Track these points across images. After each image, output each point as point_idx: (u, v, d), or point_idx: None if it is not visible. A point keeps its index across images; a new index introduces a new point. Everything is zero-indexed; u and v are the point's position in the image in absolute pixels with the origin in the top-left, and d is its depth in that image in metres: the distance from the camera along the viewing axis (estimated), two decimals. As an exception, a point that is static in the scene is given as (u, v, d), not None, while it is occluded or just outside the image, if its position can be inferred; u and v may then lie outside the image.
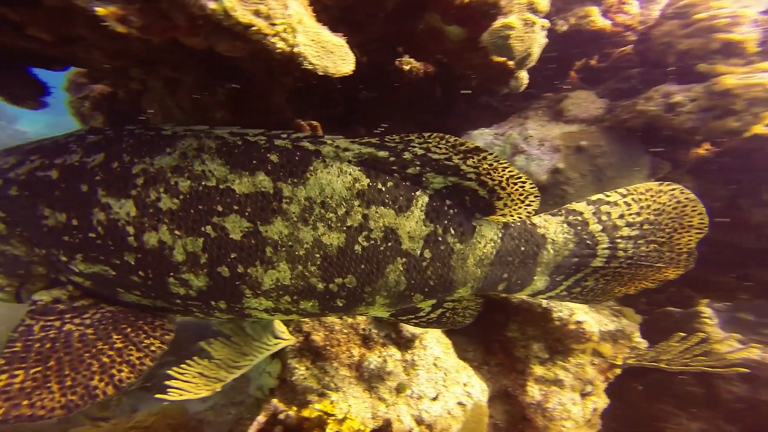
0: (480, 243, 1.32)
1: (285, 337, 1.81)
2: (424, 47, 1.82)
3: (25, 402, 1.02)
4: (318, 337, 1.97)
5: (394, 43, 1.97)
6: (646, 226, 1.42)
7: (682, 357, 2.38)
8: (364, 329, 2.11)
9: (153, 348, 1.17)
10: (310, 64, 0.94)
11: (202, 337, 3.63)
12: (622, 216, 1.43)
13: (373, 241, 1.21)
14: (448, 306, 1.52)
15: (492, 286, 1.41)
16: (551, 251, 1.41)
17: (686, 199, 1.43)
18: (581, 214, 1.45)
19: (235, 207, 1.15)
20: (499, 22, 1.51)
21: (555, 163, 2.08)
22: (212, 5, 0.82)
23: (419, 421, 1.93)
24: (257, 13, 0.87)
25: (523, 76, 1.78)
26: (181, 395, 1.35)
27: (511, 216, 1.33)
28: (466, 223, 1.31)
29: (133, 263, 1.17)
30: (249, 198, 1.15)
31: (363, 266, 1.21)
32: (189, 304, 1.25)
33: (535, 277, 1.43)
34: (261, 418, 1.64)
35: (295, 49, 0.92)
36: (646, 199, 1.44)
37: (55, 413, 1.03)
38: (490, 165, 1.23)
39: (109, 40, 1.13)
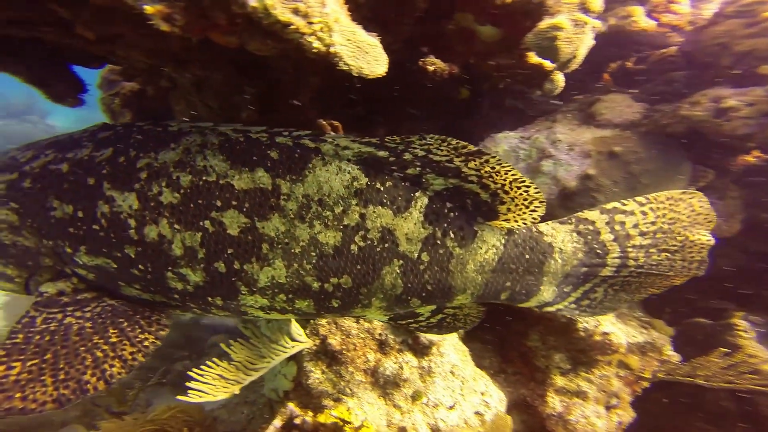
0: (481, 248, 1.28)
1: (302, 340, 1.79)
2: (451, 48, 1.79)
3: (18, 395, 1.02)
4: (335, 341, 1.95)
5: (419, 43, 1.94)
6: (659, 235, 1.38)
7: (726, 374, 2.25)
8: (380, 334, 2.08)
9: (146, 343, 1.16)
10: (345, 64, 0.92)
11: (216, 332, 3.70)
12: (636, 225, 1.38)
13: (369, 242, 1.19)
14: (449, 312, 1.47)
15: (494, 294, 1.37)
16: (559, 261, 1.36)
17: (702, 207, 1.39)
18: (593, 223, 1.39)
19: (234, 202, 1.15)
20: (546, 23, 1.46)
21: (585, 169, 2.00)
22: (253, 3, 0.80)
23: (435, 431, 1.88)
24: (296, 11, 0.85)
25: (559, 78, 1.72)
26: (200, 397, 1.35)
27: (516, 222, 1.29)
28: (467, 227, 1.27)
29: (133, 256, 1.18)
30: (248, 194, 1.16)
31: (359, 267, 1.20)
32: (187, 300, 1.25)
33: (541, 287, 1.38)
34: (278, 423, 1.63)
35: (331, 49, 0.90)
36: (664, 208, 1.39)
37: (46, 407, 1.02)
38: (492, 168, 1.20)
39: (147, 38, 1.14)
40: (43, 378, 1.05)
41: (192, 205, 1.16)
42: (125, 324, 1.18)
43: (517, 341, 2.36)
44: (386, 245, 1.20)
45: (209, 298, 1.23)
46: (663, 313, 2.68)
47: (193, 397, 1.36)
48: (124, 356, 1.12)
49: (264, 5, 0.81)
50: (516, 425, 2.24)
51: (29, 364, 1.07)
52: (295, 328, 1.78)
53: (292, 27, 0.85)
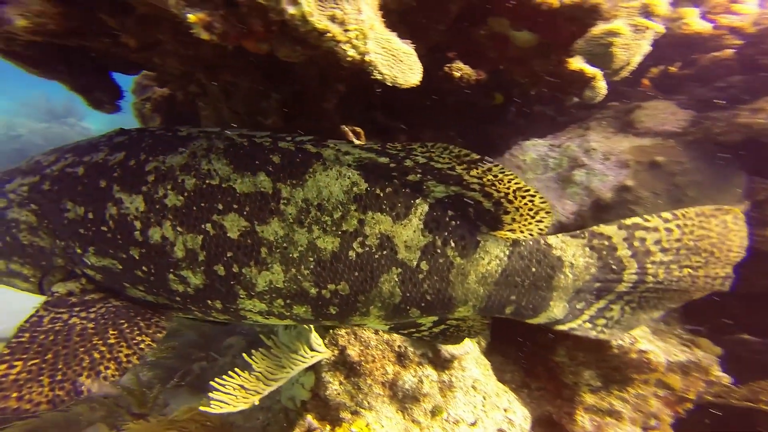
0: (483, 259, 1.24)
1: (321, 350, 1.76)
2: (481, 53, 1.73)
3: (15, 394, 1.02)
4: (353, 352, 1.91)
5: (445, 48, 1.89)
6: (683, 251, 1.29)
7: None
8: (399, 346, 2.02)
9: (142, 345, 1.16)
10: (380, 73, 0.88)
11: (232, 333, 3.74)
12: (658, 242, 1.29)
13: (367, 248, 1.17)
14: (452, 323, 1.42)
15: (498, 307, 1.31)
16: (570, 275, 1.30)
17: (736, 225, 1.29)
18: (609, 238, 1.31)
19: (235, 206, 1.16)
20: (601, 28, 1.39)
21: (622, 180, 1.88)
22: (291, 10, 0.78)
23: (455, 451, 1.80)
24: (332, 19, 0.83)
25: (601, 86, 1.63)
26: (221, 408, 1.34)
27: (522, 232, 1.24)
28: (468, 237, 1.23)
29: (137, 258, 1.19)
30: (249, 197, 1.16)
31: (357, 273, 1.17)
32: (188, 303, 1.25)
33: (551, 303, 1.32)
34: (296, 434, 1.60)
35: (366, 57, 0.86)
36: (693, 225, 1.30)
37: (40, 407, 1.02)
38: (495, 176, 1.17)
39: (183, 45, 1.16)
40: (41, 378, 1.06)
41: (195, 208, 1.16)
42: (125, 325, 1.19)
43: (543, 356, 2.24)
44: (384, 252, 1.18)
45: (209, 301, 1.23)
46: (701, 329, 2.49)
47: (215, 408, 1.35)
48: (119, 358, 1.11)
49: (302, 12, 0.79)
50: (540, 444, 2.13)
51: (30, 363, 1.08)
52: (315, 337, 1.76)
53: (328, 35, 0.82)
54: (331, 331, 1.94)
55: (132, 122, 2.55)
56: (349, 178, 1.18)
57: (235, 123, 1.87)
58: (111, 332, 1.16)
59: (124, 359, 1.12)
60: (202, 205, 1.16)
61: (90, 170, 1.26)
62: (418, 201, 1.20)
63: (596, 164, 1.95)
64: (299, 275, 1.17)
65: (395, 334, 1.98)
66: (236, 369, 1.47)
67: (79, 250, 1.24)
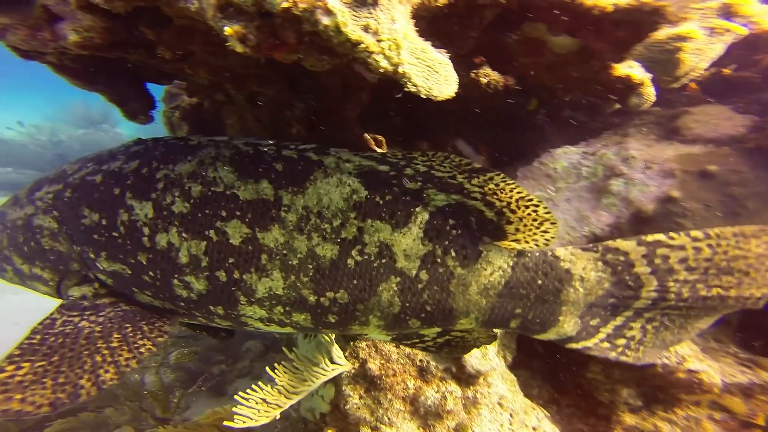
0: (485, 270, 1.20)
1: (341, 363, 1.73)
2: (511, 59, 1.66)
3: (18, 396, 1.03)
4: (374, 365, 1.86)
5: (471, 54, 1.83)
6: (712, 271, 1.18)
7: None
8: (421, 360, 1.96)
9: (142, 349, 1.16)
10: (414, 85, 0.84)
11: (249, 337, 3.78)
12: (684, 260, 1.19)
13: (366, 256, 1.16)
14: (456, 334, 1.37)
15: (502, 321, 1.25)
16: (580, 289, 1.23)
17: None
18: (626, 254, 1.22)
19: (238, 213, 1.17)
20: (667, 32, 1.29)
21: (667, 191, 1.73)
22: (326, 21, 0.76)
23: (479, 473, 1.71)
24: (366, 29, 0.80)
25: (650, 92, 1.51)
26: (244, 423, 1.33)
27: (527, 243, 1.21)
28: (470, 246, 1.20)
29: (145, 263, 1.22)
30: (251, 204, 1.17)
31: (355, 282, 1.17)
32: (191, 308, 1.26)
33: (560, 318, 1.24)
34: (316, 450, 1.57)
35: (400, 69, 0.82)
36: (728, 245, 1.18)
37: (41, 410, 1.02)
38: (497, 185, 1.16)
39: (213, 56, 1.17)
40: (44, 380, 1.07)
41: (200, 215, 1.19)
42: (129, 329, 1.20)
43: (574, 371, 2.11)
44: (383, 261, 1.16)
45: (211, 307, 1.24)
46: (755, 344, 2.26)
47: (237, 423, 1.34)
48: (119, 362, 1.12)
49: (336, 23, 0.76)
50: (572, 468, 2.00)
51: (37, 365, 1.09)
52: (336, 350, 1.73)
53: (361, 46, 0.79)
54: (351, 343, 1.90)
55: (161, 130, 2.63)
56: (349, 185, 1.17)
57: (260, 132, 1.88)
58: (115, 336, 1.17)
59: (124, 363, 1.12)
60: (207, 211, 1.19)
61: (107, 178, 1.30)
62: (418, 209, 1.18)
63: (636, 173, 1.82)
64: (298, 282, 1.17)
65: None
66: (259, 383, 1.47)
67: (92, 255, 1.28)
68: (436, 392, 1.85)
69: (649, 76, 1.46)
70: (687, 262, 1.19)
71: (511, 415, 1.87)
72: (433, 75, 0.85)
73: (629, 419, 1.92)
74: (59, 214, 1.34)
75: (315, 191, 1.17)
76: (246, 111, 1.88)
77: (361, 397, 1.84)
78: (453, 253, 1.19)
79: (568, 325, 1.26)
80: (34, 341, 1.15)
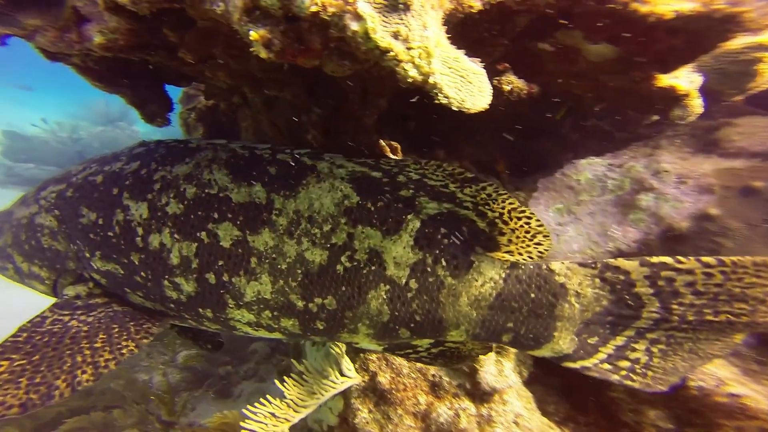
0: (477, 281, 1.17)
1: (351, 375, 1.68)
2: (540, 67, 1.59)
3: None
4: (384, 379, 1.80)
5: (498, 61, 1.77)
6: (723, 297, 1.11)
7: None
8: (433, 375, 1.89)
9: (123, 351, 1.14)
10: (445, 97, 0.79)
11: (255, 339, 3.76)
12: (691, 284, 1.12)
13: (356, 263, 1.15)
14: (450, 346, 1.34)
15: (494, 334, 1.21)
16: (576, 305, 1.19)
17: None
18: (627, 273, 1.16)
19: (229, 215, 1.17)
20: (745, 42, 1.19)
21: (703, 207, 1.62)
22: (354, 26, 0.71)
23: (492, 498, 1.63)
24: (396, 35, 0.75)
25: (696, 104, 1.41)
26: None
27: (520, 255, 1.19)
28: (461, 256, 1.17)
29: (137, 263, 1.22)
30: (243, 207, 1.17)
31: (344, 288, 1.15)
32: (181, 310, 1.26)
33: (554, 334, 1.20)
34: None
35: (431, 79, 0.77)
36: (744, 273, 1.10)
37: (11, 411, 0.99)
38: (489, 195, 1.15)
39: (234, 59, 1.15)
40: (20, 380, 1.04)
41: (192, 216, 1.19)
42: (115, 330, 1.19)
43: (594, 389, 1.99)
44: (373, 268, 1.15)
45: (200, 310, 1.23)
46: None
47: (246, 439, 1.31)
48: (99, 363, 1.10)
49: (365, 29, 0.72)
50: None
51: (17, 364, 1.07)
52: (346, 362, 1.68)
53: (390, 54, 0.74)
54: (362, 354, 1.85)
55: (177, 131, 2.64)
56: (341, 191, 1.17)
57: (275, 136, 1.85)
58: (101, 336, 1.16)
59: (103, 364, 1.10)
60: (200, 213, 1.18)
61: (107, 178, 1.31)
62: (409, 217, 1.17)
63: (668, 188, 1.71)
64: (286, 287, 1.15)
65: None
66: (268, 396, 1.43)
67: (87, 254, 1.29)
68: (449, 409, 1.79)
69: (697, 86, 1.37)
70: (695, 286, 1.13)
71: (526, 436, 1.79)
72: (467, 86, 0.80)
73: (658, 443, 1.82)
74: (60, 213, 1.35)
75: (307, 195, 1.16)
76: (262, 114, 1.86)
77: (370, 411, 1.78)
78: (443, 263, 1.16)
79: (564, 342, 1.21)
80: (19, 339, 1.13)
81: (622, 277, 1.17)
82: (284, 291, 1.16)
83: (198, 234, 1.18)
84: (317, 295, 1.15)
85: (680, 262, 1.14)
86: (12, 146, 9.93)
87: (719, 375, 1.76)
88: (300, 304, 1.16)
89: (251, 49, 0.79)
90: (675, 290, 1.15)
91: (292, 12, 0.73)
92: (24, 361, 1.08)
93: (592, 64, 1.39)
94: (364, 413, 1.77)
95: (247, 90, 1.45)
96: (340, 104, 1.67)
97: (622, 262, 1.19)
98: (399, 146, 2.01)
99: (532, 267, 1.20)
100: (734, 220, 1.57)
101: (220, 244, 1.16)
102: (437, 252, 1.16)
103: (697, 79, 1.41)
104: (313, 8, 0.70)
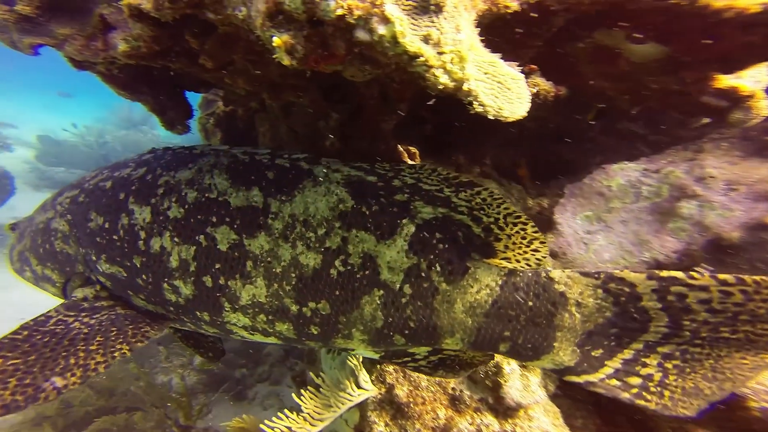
0: (472, 287, 1.14)
1: (368, 387, 1.63)
2: (573, 68, 1.50)
3: None
4: (401, 392, 1.74)
5: (525, 63, 1.68)
6: (743, 317, 1.02)
7: None
8: (453, 388, 1.82)
9: (116, 354, 1.13)
10: (481, 104, 0.73)
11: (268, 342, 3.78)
12: (706, 302, 1.03)
13: (349, 267, 1.13)
14: (450, 353, 1.29)
15: (490, 343, 1.17)
16: (577, 315, 1.13)
17: None
18: (632, 286, 1.09)
19: (227, 219, 1.18)
20: None
21: (759, 216, 1.46)
22: (382, 30, 0.66)
23: None
24: (426, 39, 0.69)
25: (761, 105, 1.28)
26: None
27: (518, 261, 1.17)
28: (456, 262, 1.14)
29: (139, 266, 1.24)
30: (240, 211, 1.18)
31: (337, 292, 1.14)
32: (180, 313, 1.26)
33: (554, 344, 1.15)
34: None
35: (465, 86, 0.71)
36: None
37: None
38: (484, 200, 1.15)
39: (253, 65, 1.13)
40: (9, 380, 1.03)
41: (192, 220, 1.20)
42: (113, 333, 1.19)
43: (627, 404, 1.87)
44: (367, 272, 1.13)
45: (198, 313, 1.24)
46: None
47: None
48: (88, 366, 1.09)
49: (393, 33, 0.67)
50: None
51: (10, 363, 1.06)
52: (363, 374, 1.63)
53: (420, 59, 0.69)
54: (378, 366, 1.80)
55: (196, 136, 2.68)
56: (336, 195, 1.17)
57: (292, 142, 1.83)
58: (98, 339, 1.16)
59: (93, 366, 1.09)
60: (199, 217, 1.20)
61: (115, 184, 1.34)
62: (404, 221, 1.15)
63: (716, 195, 1.57)
64: (281, 291, 1.15)
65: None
66: (285, 410, 1.40)
67: (94, 257, 1.32)
68: (470, 424, 1.71)
69: (763, 86, 1.24)
70: (710, 304, 1.05)
71: (552, 456, 1.69)
72: (504, 93, 0.74)
73: (704, 468, 1.66)
74: (72, 218, 1.38)
75: (302, 199, 1.16)
76: (280, 120, 1.84)
77: (386, 425, 1.73)
78: (438, 268, 1.14)
79: (564, 353, 1.15)
80: (19, 337, 1.13)
81: (627, 289, 1.11)
82: (279, 295, 1.16)
83: (197, 237, 1.19)
84: (311, 299, 1.15)
85: (693, 278, 1.06)
86: (45, 150, 10.46)
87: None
88: (294, 308, 1.16)
89: (274, 56, 0.76)
90: (686, 306, 1.07)
91: (317, 16, 0.69)
92: (18, 361, 1.08)
93: (633, 65, 1.29)
94: (380, 426, 1.72)
95: (266, 96, 1.43)
96: (358, 109, 1.63)
97: (627, 274, 1.11)
98: (417, 151, 1.96)
99: (530, 274, 1.15)
100: (794, 232, 1.42)
101: (218, 247, 1.17)
102: (432, 257, 1.14)
103: (765, 78, 1.27)
104: (339, 11, 0.66)
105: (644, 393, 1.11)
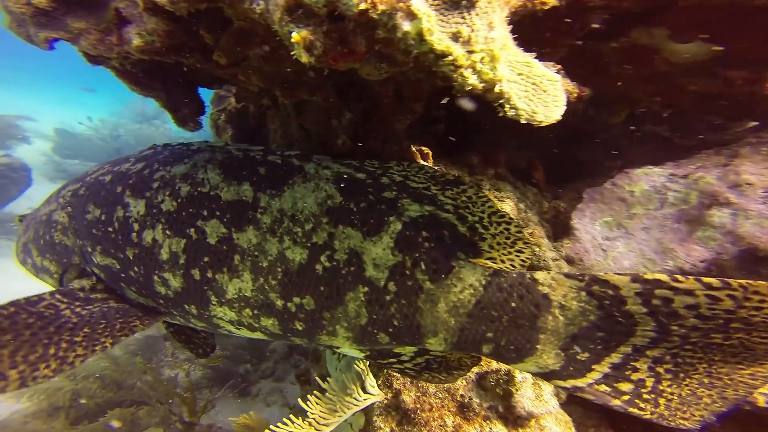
0: (455, 286, 1.12)
1: (374, 392, 1.60)
2: (600, 69, 1.42)
3: None
4: (408, 398, 1.71)
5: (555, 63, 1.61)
6: (735, 324, 0.96)
7: None
8: (462, 395, 1.77)
9: (96, 347, 1.11)
10: (513, 108, 0.68)
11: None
12: (694, 307, 0.98)
13: (335, 263, 1.14)
14: (436, 354, 1.28)
15: (473, 344, 1.15)
16: (560, 317, 1.10)
17: None
18: (616, 288, 1.04)
19: (218, 213, 1.19)
20: None
21: (800, 228, 1.38)
22: (407, 27, 0.62)
23: None
24: (455, 37, 0.65)
25: None
26: None
27: (503, 262, 1.17)
28: (441, 260, 1.13)
29: (131, 258, 1.25)
30: (230, 205, 1.19)
31: (322, 288, 1.14)
32: (169, 306, 1.27)
33: (538, 347, 1.11)
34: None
35: (496, 88, 0.66)
36: (761, 299, 0.93)
37: None
38: (469, 198, 1.16)
39: (268, 62, 1.10)
40: None
41: (184, 213, 1.21)
42: (102, 326, 1.19)
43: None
44: (352, 269, 1.13)
45: (186, 306, 1.25)
46: None
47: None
48: (67, 358, 1.06)
49: (419, 30, 0.62)
50: None
51: None
52: (370, 379, 1.60)
53: (447, 59, 0.64)
54: (385, 371, 1.77)
55: (207, 132, 2.67)
56: (325, 191, 1.18)
57: (303, 141, 1.80)
58: (84, 330, 1.15)
59: (71, 359, 1.06)
60: (191, 210, 1.21)
61: (114, 178, 1.36)
62: (392, 218, 1.15)
63: (753, 203, 1.46)
64: (266, 285, 1.16)
65: (458, 382, 1.75)
66: (290, 416, 1.38)
67: (89, 249, 1.33)
68: (477, 434, 1.67)
69: None
70: (698, 309, 0.99)
71: (563, 468, 1.64)
72: (539, 95, 0.68)
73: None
74: (72, 210, 1.40)
75: (291, 195, 1.17)
76: (292, 117, 1.81)
77: (392, 431, 1.70)
78: (423, 266, 1.13)
79: (548, 356, 1.11)
80: (3, 312, 1.09)
81: (610, 292, 1.07)
82: (264, 289, 1.16)
83: (188, 230, 1.20)
84: (296, 294, 1.15)
85: (677, 281, 1.00)
86: (62, 143, 10.70)
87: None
88: (279, 303, 1.16)
89: (292, 53, 0.72)
90: (673, 312, 1.02)
91: (338, 10, 0.65)
92: None
93: (672, 66, 1.21)
94: (387, 432, 1.69)
95: (279, 93, 1.40)
96: (372, 108, 1.59)
97: (611, 276, 1.07)
98: (430, 152, 1.91)
99: (515, 275, 1.13)
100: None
101: (207, 240, 1.18)
102: (417, 255, 1.13)
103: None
104: (362, 6, 0.61)
105: (636, 400, 1.06)
